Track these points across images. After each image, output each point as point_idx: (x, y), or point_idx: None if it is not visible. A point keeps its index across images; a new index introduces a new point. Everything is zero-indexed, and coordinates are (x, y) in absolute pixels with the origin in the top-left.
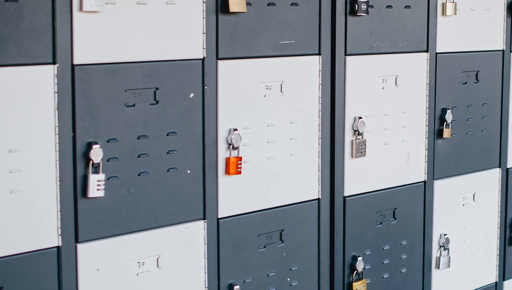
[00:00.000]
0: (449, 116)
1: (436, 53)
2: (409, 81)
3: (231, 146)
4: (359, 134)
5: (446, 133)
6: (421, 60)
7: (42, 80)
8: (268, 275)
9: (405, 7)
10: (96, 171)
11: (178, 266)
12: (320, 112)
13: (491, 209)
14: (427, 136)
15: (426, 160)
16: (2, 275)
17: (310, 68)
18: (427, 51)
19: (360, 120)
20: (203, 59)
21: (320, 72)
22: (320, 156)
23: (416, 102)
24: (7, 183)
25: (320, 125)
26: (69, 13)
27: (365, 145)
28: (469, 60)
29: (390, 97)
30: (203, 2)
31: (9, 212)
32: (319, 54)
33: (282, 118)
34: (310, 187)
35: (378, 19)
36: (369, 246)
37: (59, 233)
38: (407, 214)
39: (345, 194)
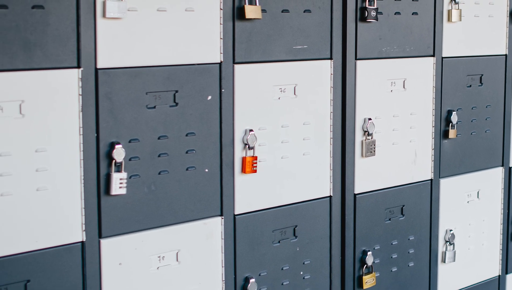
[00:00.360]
0: (454, 118)
1: (442, 58)
2: (416, 84)
3: (247, 146)
4: (368, 134)
5: (452, 133)
6: (428, 64)
7: (67, 83)
8: (282, 269)
9: (412, 14)
10: (118, 170)
11: (196, 260)
12: (331, 113)
13: (494, 206)
14: (433, 137)
15: (433, 159)
16: (29, 269)
17: (322, 72)
18: (433, 55)
19: (370, 121)
20: (220, 63)
21: (332, 75)
22: (331, 155)
23: (423, 104)
24: (34, 181)
25: (331, 126)
26: (93, 19)
27: (374, 145)
28: (473, 64)
29: (398, 99)
30: (220, 9)
31: (36, 209)
32: (330, 58)
33: (295, 119)
34: (322, 185)
35: (387, 25)
36: (378, 241)
37: (83, 229)
38: (415, 210)
39: (356, 192)
